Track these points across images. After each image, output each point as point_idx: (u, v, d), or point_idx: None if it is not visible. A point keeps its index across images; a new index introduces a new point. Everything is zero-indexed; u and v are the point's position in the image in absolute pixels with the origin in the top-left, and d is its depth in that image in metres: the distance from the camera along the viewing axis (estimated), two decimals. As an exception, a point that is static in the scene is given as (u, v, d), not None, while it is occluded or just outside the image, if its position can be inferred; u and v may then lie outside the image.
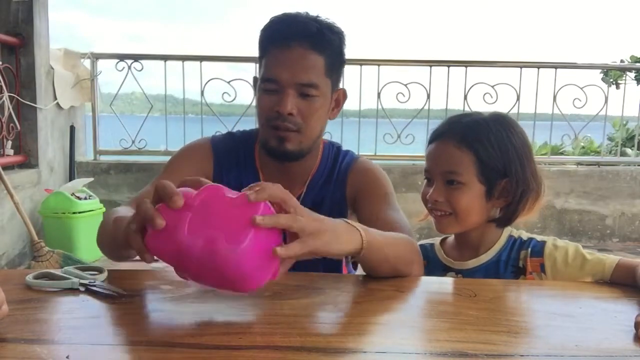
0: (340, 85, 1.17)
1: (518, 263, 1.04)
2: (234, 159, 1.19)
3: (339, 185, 1.19)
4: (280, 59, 1.06)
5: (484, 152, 1.00)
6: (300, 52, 1.05)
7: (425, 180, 1.07)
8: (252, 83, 1.19)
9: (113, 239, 0.91)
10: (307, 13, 1.09)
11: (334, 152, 1.22)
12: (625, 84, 4.52)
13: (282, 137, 1.08)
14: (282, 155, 1.11)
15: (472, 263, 1.06)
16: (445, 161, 1.02)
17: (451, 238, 1.13)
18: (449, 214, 1.02)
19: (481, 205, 1.02)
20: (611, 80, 4.46)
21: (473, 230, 1.06)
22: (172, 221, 0.66)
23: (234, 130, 1.31)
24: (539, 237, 1.06)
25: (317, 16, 1.09)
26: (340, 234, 0.77)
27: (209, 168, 1.17)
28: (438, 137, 1.06)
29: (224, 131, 1.33)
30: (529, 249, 1.04)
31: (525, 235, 1.07)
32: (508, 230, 1.08)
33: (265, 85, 1.08)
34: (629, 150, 4.69)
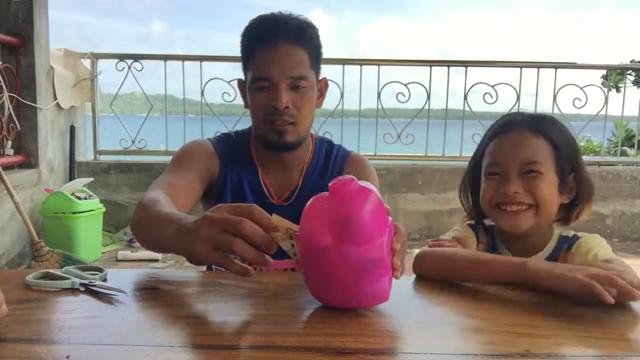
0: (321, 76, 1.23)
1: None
2: (233, 157, 1.24)
3: (335, 176, 1.21)
4: (268, 57, 1.11)
5: (558, 142, 0.97)
6: (287, 47, 1.11)
7: (485, 178, 1.01)
8: (237, 87, 1.25)
9: (158, 236, 0.87)
10: (280, 12, 1.15)
11: (326, 145, 1.29)
12: (624, 86, 4.51)
13: (281, 131, 1.14)
14: (282, 147, 1.17)
15: None
16: (525, 151, 0.97)
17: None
18: (528, 207, 0.97)
19: (557, 198, 0.99)
20: (611, 84, 4.44)
21: (531, 229, 1.00)
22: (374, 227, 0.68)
23: (232, 130, 1.36)
24: (580, 234, 1.02)
25: (291, 14, 1.15)
26: None
27: (215, 165, 1.22)
28: (510, 127, 1.00)
29: (225, 131, 1.37)
30: (566, 244, 1.01)
31: (571, 233, 1.03)
32: (558, 230, 1.04)
33: (258, 84, 1.13)
34: (628, 150, 4.68)
